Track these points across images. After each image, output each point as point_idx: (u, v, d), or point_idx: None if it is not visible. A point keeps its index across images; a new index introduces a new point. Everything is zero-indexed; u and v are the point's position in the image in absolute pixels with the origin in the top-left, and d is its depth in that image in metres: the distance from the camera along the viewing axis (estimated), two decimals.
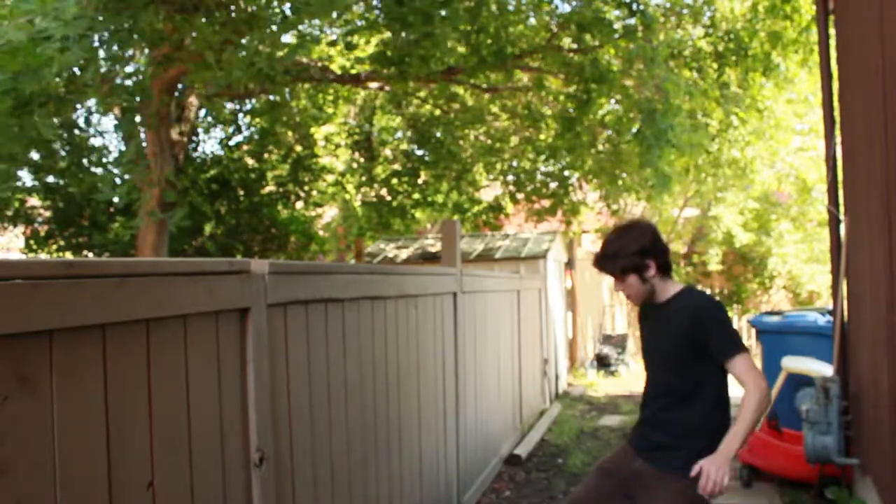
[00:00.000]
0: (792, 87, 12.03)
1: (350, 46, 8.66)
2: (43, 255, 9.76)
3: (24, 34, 4.64)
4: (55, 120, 7.09)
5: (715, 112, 10.40)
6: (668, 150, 8.36)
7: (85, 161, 7.92)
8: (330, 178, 12.42)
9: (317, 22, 7.62)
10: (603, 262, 2.62)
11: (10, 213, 9.47)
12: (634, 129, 8.68)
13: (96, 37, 5.29)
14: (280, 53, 6.08)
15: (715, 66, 9.53)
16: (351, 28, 8.20)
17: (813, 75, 11.72)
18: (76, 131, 8.43)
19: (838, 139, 5.02)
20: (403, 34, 6.93)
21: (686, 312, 2.53)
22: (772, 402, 5.11)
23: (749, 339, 12.11)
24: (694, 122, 10.26)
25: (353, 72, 10.09)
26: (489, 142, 12.06)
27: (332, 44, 9.93)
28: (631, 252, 2.55)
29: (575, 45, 8.72)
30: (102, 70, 6.27)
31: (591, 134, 10.12)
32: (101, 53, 5.92)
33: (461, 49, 8.60)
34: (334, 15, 6.67)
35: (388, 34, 7.81)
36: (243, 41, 6.29)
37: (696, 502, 2.39)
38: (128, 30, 5.28)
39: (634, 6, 7.81)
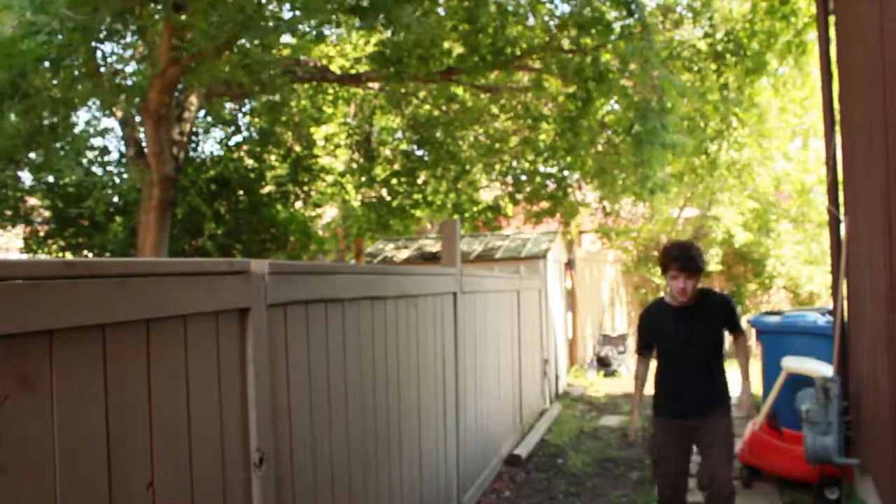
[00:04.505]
0: (789, 88, 12.01)
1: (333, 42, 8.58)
2: (43, 255, 9.75)
3: (10, 29, 4.64)
4: (53, 119, 7.09)
5: (712, 114, 10.40)
6: (659, 151, 8.37)
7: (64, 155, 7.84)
8: (329, 178, 12.41)
9: (314, 23, 7.62)
10: (697, 260, 3.69)
11: (9, 212, 9.45)
12: (629, 128, 8.70)
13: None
14: (278, 53, 6.08)
15: (714, 66, 9.54)
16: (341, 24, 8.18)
17: (808, 79, 11.72)
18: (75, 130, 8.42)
19: (838, 139, 5.02)
20: (400, 34, 6.93)
21: (720, 305, 3.89)
22: (771, 403, 5.11)
23: (749, 339, 12.09)
24: (690, 125, 10.27)
25: (353, 72, 10.09)
26: (488, 142, 12.05)
27: (320, 40, 9.90)
28: (704, 259, 3.78)
29: (574, 46, 8.72)
30: (102, 69, 6.27)
31: (591, 134, 10.12)
32: (99, 55, 5.92)
33: (460, 49, 8.60)
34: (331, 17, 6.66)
35: (386, 34, 7.81)
36: (242, 41, 6.29)
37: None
38: (122, 26, 5.27)
39: (633, 6, 7.81)
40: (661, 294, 4.06)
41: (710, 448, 3.82)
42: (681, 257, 3.71)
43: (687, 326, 3.80)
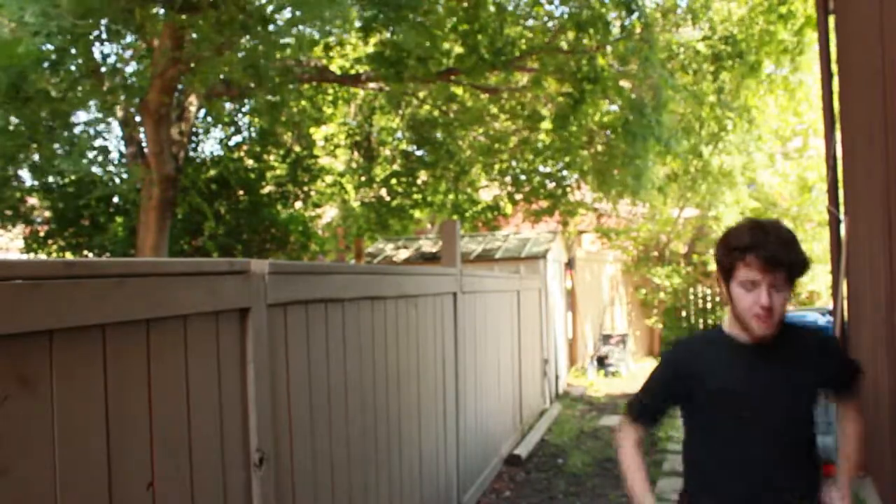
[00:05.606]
0: (787, 89, 12.02)
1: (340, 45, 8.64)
2: (43, 255, 9.75)
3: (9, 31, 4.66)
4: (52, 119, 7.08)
5: (708, 117, 10.42)
6: (652, 144, 8.40)
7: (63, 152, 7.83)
8: (329, 178, 12.42)
9: (316, 22, 7.63)
10: (797, 252, 1.89)
11: (9, 212, 9.45)
12: (624, 122, 8.73)
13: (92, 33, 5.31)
14: (279, 55, 6.09)
15: (712, 68, 9.55)
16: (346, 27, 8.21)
17: (801, 85, 11.73)
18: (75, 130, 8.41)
19: (838, 138, 5.02)
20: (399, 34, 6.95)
21: (820, 346, 2.09)
22: None
23: None
24: (687, 126, 10.30)
25: (353, 72, 10.09)
26: (488, 142, 12.06)
27: (328, 47, 9.93)
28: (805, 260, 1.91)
29: (572, 48, 8.74)
30: (102, 70, 6.27)
31: (587, 134, 10.13)
32: (98, 53, 5.93)
33: (459, 49, 8.61)
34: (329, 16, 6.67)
35: (385, 34, 7.82)
36: (243, 41, 6.30)
37: None
38: (122, 26, 5.29)
39: (633, 6, 7.82)
40: (699, 326, 2.42)
41: None
42: (766, 243, 1.85)
43: (763, 378, 2.02)
